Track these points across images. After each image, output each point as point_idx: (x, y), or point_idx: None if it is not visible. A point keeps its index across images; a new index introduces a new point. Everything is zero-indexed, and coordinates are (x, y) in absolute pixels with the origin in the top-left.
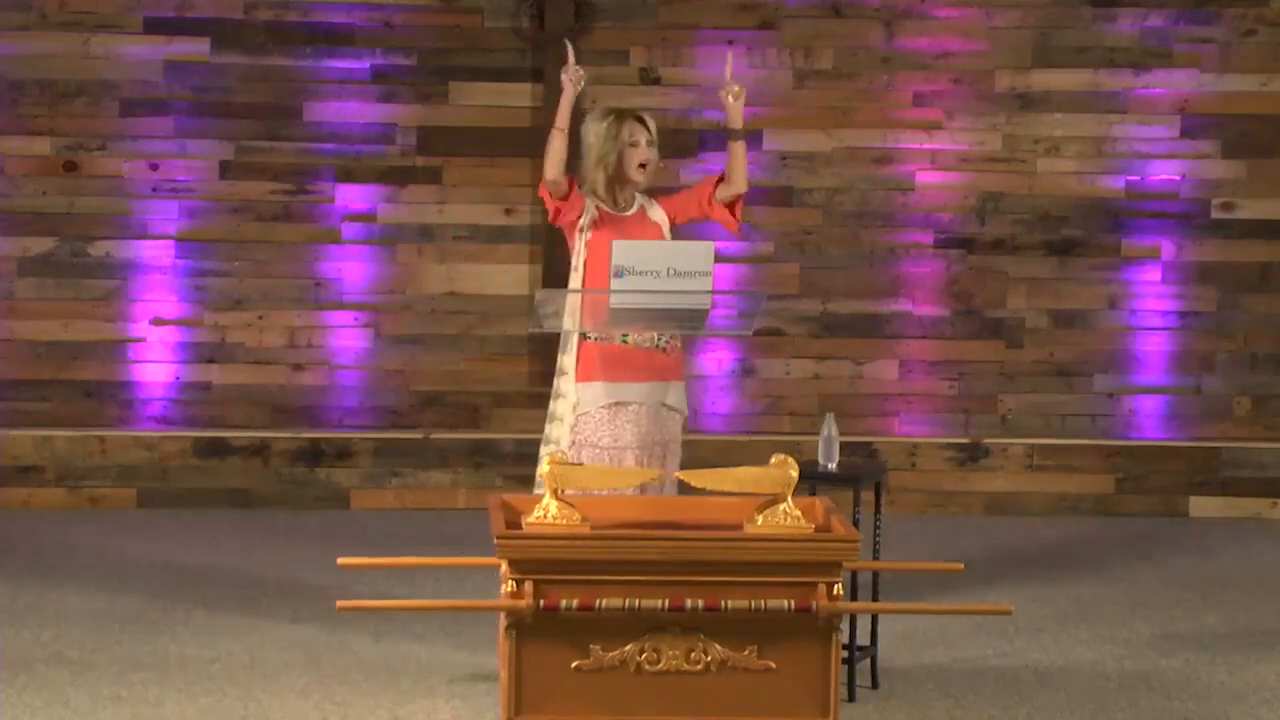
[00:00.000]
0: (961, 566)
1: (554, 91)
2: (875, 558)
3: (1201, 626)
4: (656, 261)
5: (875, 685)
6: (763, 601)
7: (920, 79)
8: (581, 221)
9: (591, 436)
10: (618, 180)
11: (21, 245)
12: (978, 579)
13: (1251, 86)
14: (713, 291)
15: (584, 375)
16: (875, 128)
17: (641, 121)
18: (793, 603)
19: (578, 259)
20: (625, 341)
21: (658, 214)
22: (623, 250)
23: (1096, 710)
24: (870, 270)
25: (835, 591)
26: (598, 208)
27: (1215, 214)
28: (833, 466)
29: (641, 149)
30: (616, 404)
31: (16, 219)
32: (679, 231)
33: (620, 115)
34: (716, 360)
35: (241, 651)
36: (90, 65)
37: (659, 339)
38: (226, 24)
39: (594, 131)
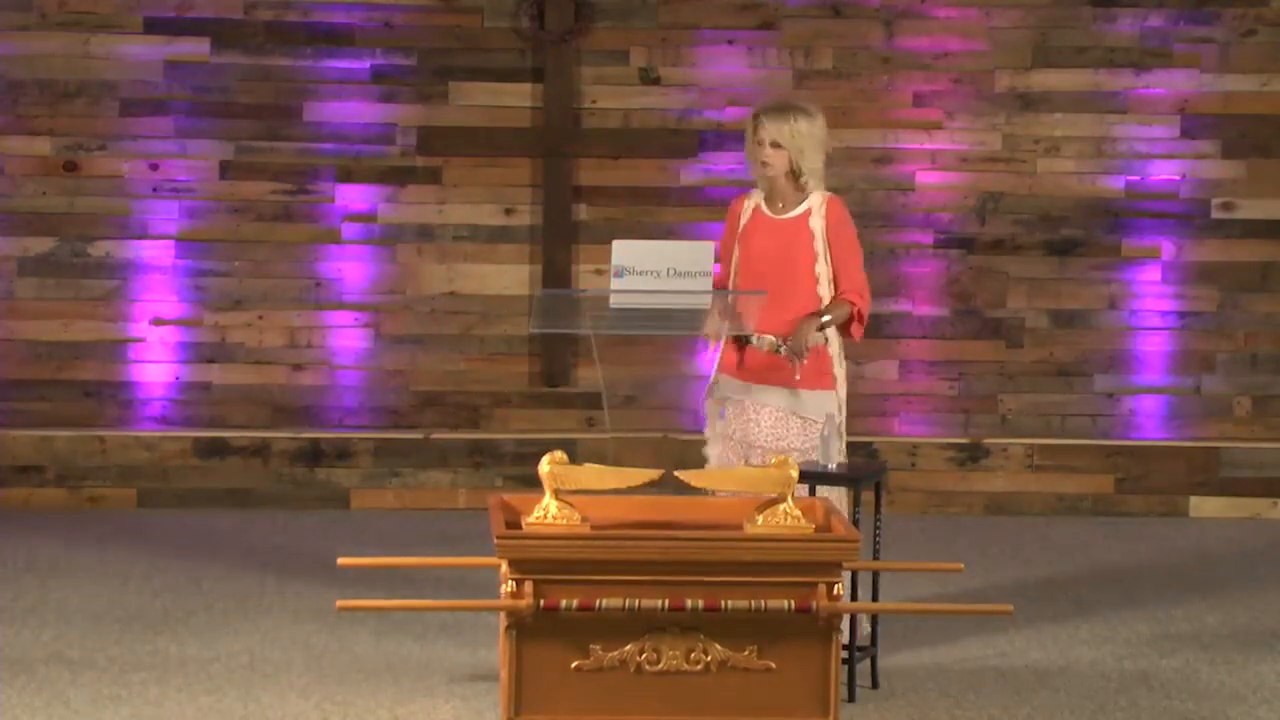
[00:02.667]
0: (961, 566)
1: (554, 91)
2: (875, 558)
3: (1201, 626)
4: (656, 261)
5: (875, 685)
6: (763, 601)
7: (920, 79)
8: (740, 227)
9: (726, 429)
10: (759, 179)
11: (21, 245)
12: (978, 579)
13: (1251, 86)
14: (712, 291)
15: (721, 366)
16: (875, 128)
17: (758, 119)
18: (793, 603)
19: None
20: (748, 343)
21: (819, 218)
22: (623, 250)
23: (1096, 710)
24: (870, 270)
25: (835, 591)
26: (755, 209)
27: (1215, 214)
28: (833, 467)
29: (764, 149)
30: (736, 399)
31: (16, 219)
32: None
33: (753, 114)
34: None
35: (241, 651)
36: (90, 65)
37: (779, 344)
38: (226, 24)
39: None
